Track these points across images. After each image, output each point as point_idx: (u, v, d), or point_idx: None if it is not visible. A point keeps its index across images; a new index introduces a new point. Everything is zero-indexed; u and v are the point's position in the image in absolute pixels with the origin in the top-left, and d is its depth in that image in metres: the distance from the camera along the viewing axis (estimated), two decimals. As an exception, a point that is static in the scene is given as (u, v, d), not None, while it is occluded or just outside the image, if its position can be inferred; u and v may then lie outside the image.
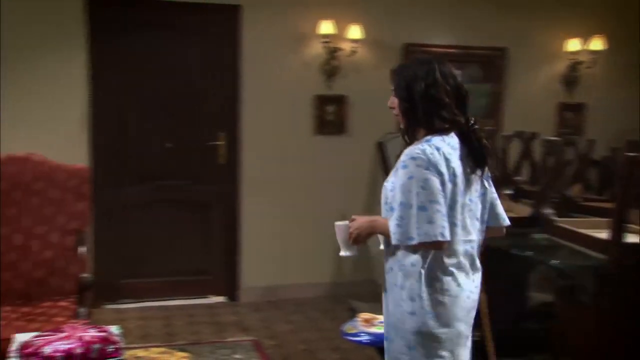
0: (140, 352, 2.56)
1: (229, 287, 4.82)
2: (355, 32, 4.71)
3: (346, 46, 4.74)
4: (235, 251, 4.81)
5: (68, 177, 3.41)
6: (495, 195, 2.10)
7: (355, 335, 2.69)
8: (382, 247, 2.12)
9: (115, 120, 4.52)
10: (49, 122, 4.25)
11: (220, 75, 4.68)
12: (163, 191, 4.66)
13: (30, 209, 3.35)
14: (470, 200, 1.98)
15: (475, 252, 2.02)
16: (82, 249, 3.31)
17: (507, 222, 2.12)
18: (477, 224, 2.03)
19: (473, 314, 2.05)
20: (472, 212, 1.99)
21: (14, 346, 2.33)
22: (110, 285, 4.54)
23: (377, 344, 2.54)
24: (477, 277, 2.05)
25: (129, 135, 4.57)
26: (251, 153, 4.69)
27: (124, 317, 4.37)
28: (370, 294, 4.73)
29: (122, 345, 2.24)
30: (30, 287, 3.29)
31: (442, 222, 1.87)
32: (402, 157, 1.94)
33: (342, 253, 2.12)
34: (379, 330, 2.77)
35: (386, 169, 4.66)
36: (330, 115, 4.80)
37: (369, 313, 3.22)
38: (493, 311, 2.95)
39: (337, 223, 2.12)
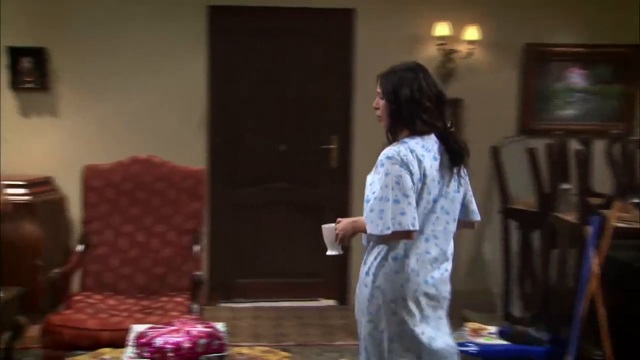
0: (244, 350, 2.65)
1: (340, 290, 4.85)
2: (472, 33, 4.58)
3: (462, 48, 4.62)
4: (345, 255, 4.81)
5: (184, 178, 3.62)
6: (471, 192, 2.32)
7: (462, 345, 2.61)
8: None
9: (231, 123, 4.72)
10: (168, 126, 4.52)
11: (333, 78, 4.75)
12: (275, 193, 4.80)
13: (152, 208, 3.59)
14: (445, 195, 2.21)
15: (443, 242, 2.22)
16: (197, 248, 3.48)
17: (478, 217, 2.34)
18: (448, 217, 2.23)
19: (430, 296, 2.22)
20: (443, 207, 2.21)
21: (131, 336, 2.49)
22: (225, 283, 4.74)
23: (484, 355, 2.45)
24: (445, 265, 2.26)
25: (244, 138, 4.76)
26: (363, 156, 4.69)
27: (237, 315, 4.54)
28: (484, 304, 4.58)
29: (226, 341, 2.33)
30: (150, 283, 3.52)
31: (413, 214, 2.12)
32: (380, 157, 2.18)
33: (329, 252, 2.39)
34: (487, 341, 2.67)
35: (500, 175, 4.49)
36: (445, 119, 4.69)
37: (478, 323, 3.11)
38: (617, 327, 2.73)
39: (325, 226, 2.36)
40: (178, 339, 2.24)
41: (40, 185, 4.18)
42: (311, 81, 4.74)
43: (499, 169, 4.49)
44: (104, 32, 4.44)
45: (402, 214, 2.11)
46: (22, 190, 4.02)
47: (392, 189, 2.12)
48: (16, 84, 4.36)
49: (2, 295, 3.36)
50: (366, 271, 2.24)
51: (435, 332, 2.21)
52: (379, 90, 2.27)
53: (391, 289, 2.17)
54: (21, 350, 3.58)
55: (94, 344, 2.95)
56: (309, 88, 4.74)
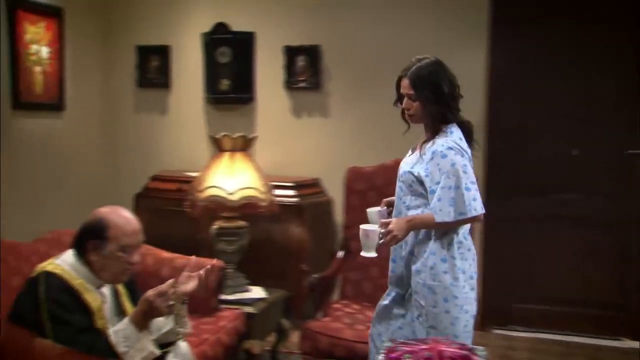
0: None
1: (647, 331, 4.39)
2: None
3: None
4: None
5: None
6: None
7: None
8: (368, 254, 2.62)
9: (512, 126, 4.61)
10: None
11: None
12: (562, 206, 4.55)
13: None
14: None
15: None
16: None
17: None
18: None
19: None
20: None
21: (382, 349, 2.59)
22: (499, 308, 4.64)
23: None
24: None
25: (525, 142, 4.61)
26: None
27: (513, 345, 4.41)
28: None
29: (483, 368, 2.28)
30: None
31: (480, 198, 2.58)
32: (438, 148, 2.56)
33: (366, 254, 2.62)
34: None
35: None
36: None
37: None
38: None
39: (364, 227, 2.61)
40: (427, 357, 2.26)
41: (308, 187, 4.58)
42: (612, 75, 4.40)
43: None
44: (373, 26, 4.69)
45: (474, 199, 2.56)
46: (290, 192, 4.43)
47: (461, 178, 2.53)
48: (290, 84, 4.87)
49: (268, 297, 3.78)
50: (442, 258, 2.61)
51: None
52: (409, 92, 2.62)
53: (468, 267, 2.66)
54: (285, 355, 3.96)
55: (350, 355, 3.15)
56: (608, 83, 4.40)
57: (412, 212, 2.67)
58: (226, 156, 3.82)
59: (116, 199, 5.11)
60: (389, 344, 2.47)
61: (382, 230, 2.58)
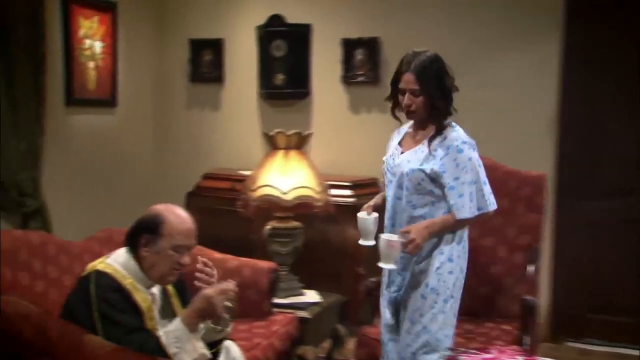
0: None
1: None
2: None
3: None
4: None
5: (521, 185, 3.54)
6: None
7: None
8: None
9: (586, 124, 4.47)
10: (509, 123, 4.48)
11: None
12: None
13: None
14: None
15: None
16: (531, 268, 3.36)
17: None
18: None
19: None
20: None
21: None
22: (573, 318, 4.50)
23: None
24: None
25: (604, 141, 4.46)
26: None
27: (588, 359, 4.26)
28: None
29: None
30: (474, 304, 3.50)
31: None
32: (454, 143, 2.63)
33: (385, 265, 2.63)
34: None
35: None
36: None
37: None
38: None
39: (384, 236, 2.62)
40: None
41: (365, 186, 4.53)
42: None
43: None
44: (435, 16, 4.62)
45: (490, 193, 2.71)
46: (346, 192, 4.41)
47: (479, 172, 2.65)
48: (348, 78, 4.83)
49: (322, 301, 3.75)
50: (449, 258, 2.70)
51: None
52: (414, 87, 2.63)
53: (464, 265, 2.77)
54: (340, 362, 3.94)
55: (408, 364, 3.09)
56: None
57: (419, 211, 2.71)
58: (280, 154, 3.82)
59: (167, 197, 5.10)
60: (449, 353, 2.41)
61: (404, 240, 2.59)
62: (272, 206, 3.79)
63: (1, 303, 1.70)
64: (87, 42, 4.63)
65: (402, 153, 2.78)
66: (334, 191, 4.07)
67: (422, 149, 2.71)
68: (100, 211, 4.69)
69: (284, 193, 3.71)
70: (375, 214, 2.81)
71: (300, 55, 4.94)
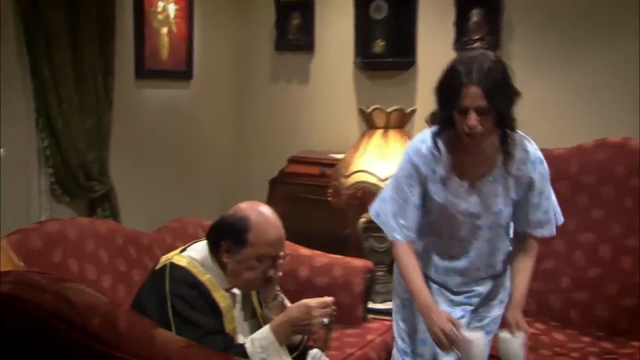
0: None
1: None
2: None
3: None
4: None
5: (631, 174, 3.45)
6: None
7: None
8: None
9: None
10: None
11: None
12: None
13: (621, 212, 3.49)
14: None
15: None
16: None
17: None
18: None
19: None
20: None
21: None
22: None
23: None
24: None
25: None
26: None
27: None
28: None
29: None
30: (615, 318, 3.40)
31: None
32: (534, 155, 2.58)
33: None
34: None
35: None
36: None
37: None
38: None
39: (504, 335, 2.50)
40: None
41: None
42: None
43: None
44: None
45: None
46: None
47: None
48: (462, 44, 4.64)
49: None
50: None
51: None
52: (483, 104, 2.36)
53: None
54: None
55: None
56: None
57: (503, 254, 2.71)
58: (378, 134, 3.79)
59: (248, 184, 5.25)
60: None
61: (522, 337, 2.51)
62: (368, 195, 3.75)
63: (68, 291, 1.77)
64: (160, 4, 4.68)
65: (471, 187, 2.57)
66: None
67: (502, 181, 2.56)
68: (172, 198, 4.76)
69: (382, 180, 3.69)
70: (523, 333, 2.52)
71: (404, 18, 4.82)
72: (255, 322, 2.53)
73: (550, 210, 2.62)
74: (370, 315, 3.51)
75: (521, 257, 2.63)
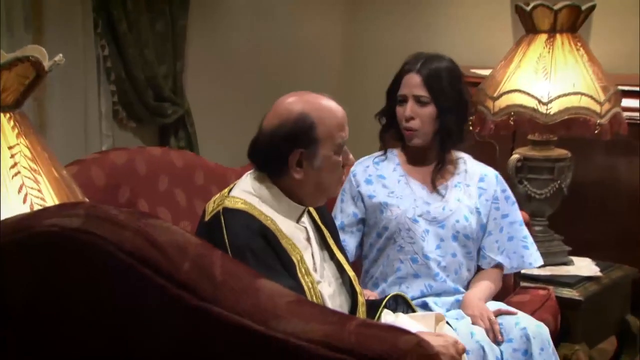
0: None
1: None
2: None
3: None
4: None
5: None
6: None
7: None
8: None
9: None
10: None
11: None
12: None
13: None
14: None
15: None
16: None
17: None
18: None
19: None
20: None
21: None
22: None
23: None
24: None
25: None
26: None
27: None
28: None
29: None
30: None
31: None
32: (499, 185, 3.23)
33: None
34: None
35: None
36: None
37: None
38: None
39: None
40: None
41: None
42: None
43: None
44: None
45: None
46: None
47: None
48: None
49: (601, 275, 3.74)
50: None
51: None
52: (421, 93, 2.97)
53: None
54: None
55: None
56: None
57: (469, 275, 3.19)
58: (541, 40, 3.76)
59: (359, 110, 5.30)
60: None
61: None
62: (523, 123, 3.81)
63: (152, 229, 1.81)
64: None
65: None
66: (626, 102, 3.96)
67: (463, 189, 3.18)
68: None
69: (544, 103, 3.69)
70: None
71: None
72: (336, 262, 2.66)
73: (528, 237, 3.17)
74: (524, 284, 3.54)
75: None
